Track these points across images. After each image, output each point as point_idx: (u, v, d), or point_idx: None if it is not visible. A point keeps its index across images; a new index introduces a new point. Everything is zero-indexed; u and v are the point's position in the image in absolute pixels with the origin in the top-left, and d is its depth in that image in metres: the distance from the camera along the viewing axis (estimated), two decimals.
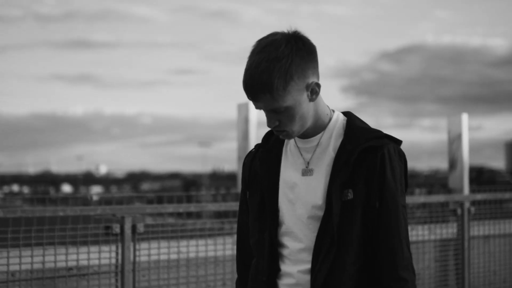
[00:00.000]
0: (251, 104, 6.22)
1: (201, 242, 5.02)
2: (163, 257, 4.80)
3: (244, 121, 6.28)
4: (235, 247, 5.13)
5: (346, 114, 2.25)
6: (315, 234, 2.12)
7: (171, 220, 6.01)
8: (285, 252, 2.19)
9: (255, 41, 2.12)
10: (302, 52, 2.07)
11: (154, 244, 4.77)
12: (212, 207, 4.97)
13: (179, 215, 5.51)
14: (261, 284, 2.20)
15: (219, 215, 5.81)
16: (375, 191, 2.10)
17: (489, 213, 6.60)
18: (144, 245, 4.69)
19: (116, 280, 4.55)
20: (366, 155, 2.11)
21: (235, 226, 5.45)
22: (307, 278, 2.14)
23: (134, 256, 4.57)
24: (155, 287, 4.78)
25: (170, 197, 5.10)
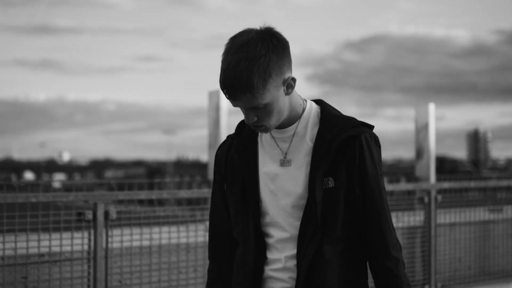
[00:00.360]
0: (222, 92, 6.24)
1: (173, 229, 5.03)
2: (135, 243, 4.81)
3: (215, 109, 6.29)
4: (206, 233, 5.17)
5: (319, 102, 2.28)
6: (299, 222, 2.17)
7: (137, 207, 6.01)
8: (270, 241, 2.22)
9: (225, 36, 2.11)
10: (278, 50, 2.10)
11: (126, 231, 4.77)
12: (185, 194, 4.99)
13: (150, 202, 5.52)
14: (248, 272, 2.22)
15: (189, 202, 5.83)
16: (356, 178, 2.16)
17: (455, 201, 6.73)
18: (116, 231, 4.70)
19: (89, 267, 4.55)
20: (345, 144, 2.17)
21: (207, 213, 5.48)
22: (294, 262, 2.18)
23: (107, 242, 4.57)
24: (127, 273, 4.79)
25: (141, 184, 5.11)
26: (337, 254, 2.17)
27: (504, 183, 7.53)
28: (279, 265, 2.20)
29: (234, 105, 2.13)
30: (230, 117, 6.31)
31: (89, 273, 4.55)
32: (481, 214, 7.07)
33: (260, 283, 2.21)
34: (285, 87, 2.14)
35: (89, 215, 4.51)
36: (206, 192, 5.11)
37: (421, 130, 7.70)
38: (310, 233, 2.14)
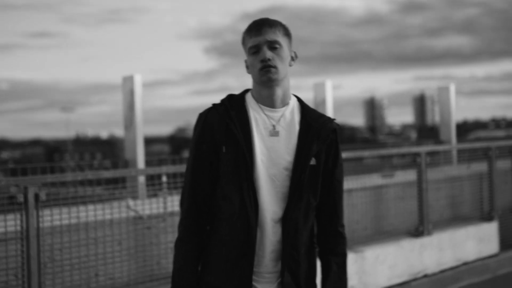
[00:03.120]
0: (136, 77, 6.61)
1: (98, 206, 5.44)
2: (64, 222, 5.20)
3: (129, 93, 6.68)
4: (128, 210, 5.62)
5: (295, 96, 2.85)
6: (284, 190, 2.67)
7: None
8: (260, 200, 2.66)
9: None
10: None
11: (55, 211, 5.15)
12: (108, 174, 5.39)
13: (67, 183, 5.85)
14: (251, 225, 2.63)
15: (108, 181, 6.24)
16: (330, 159, 2.76)
17: (352, 170, 7.41)
18: (46, 212, 5.07)
19: (22, 245, 4.91)
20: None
21: (125, 191, 5.91)
22: (279, 223, 2.68)
23: (38, 222, 4.94)
24: (58, 250, 5.18)
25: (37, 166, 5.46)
26: (310, 217, 2.73)
27: (394, 151, 8.28)
28: (270, 215, 2.66)
29: (256, 42, 2.67)
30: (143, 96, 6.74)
31: (22, 251, 4.91)
32: (375, 180, 7.77)
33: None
34: (291, 55, 2.75)
35: (20, 198, 4.86)
36: (126, 172, 5.53)
37: (319, 105, 8.34)
38: (295, 199, 2.66)
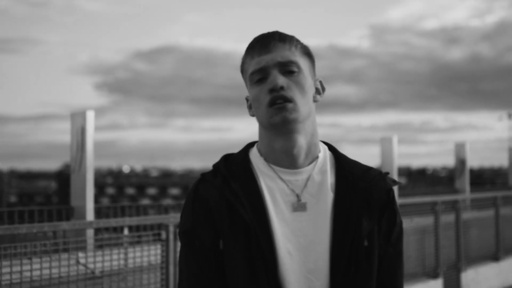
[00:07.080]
0: (88, 113, 5.84)
1: (46, 260, 4.65)
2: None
3: (80, 132, 5.91)
4: (75, 267, 4.85)
5: (326, 144, 1.91)
6: None
7: None
8: None
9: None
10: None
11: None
12: (66, 226, 4.63)
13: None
14: None
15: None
16: (386, 234, 1.82)
17: None
18: None
19: None
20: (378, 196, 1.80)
21: (70, 240, 5.14)
22: None
23: None
24: None
25: None
26: None
27: None
28: None
29: (262, 63, 1.76)
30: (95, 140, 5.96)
31: None
32: None
33: None
34: (315, 87, 1.84)
35: None
36: (87, 224, 4.80)
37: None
38: None
